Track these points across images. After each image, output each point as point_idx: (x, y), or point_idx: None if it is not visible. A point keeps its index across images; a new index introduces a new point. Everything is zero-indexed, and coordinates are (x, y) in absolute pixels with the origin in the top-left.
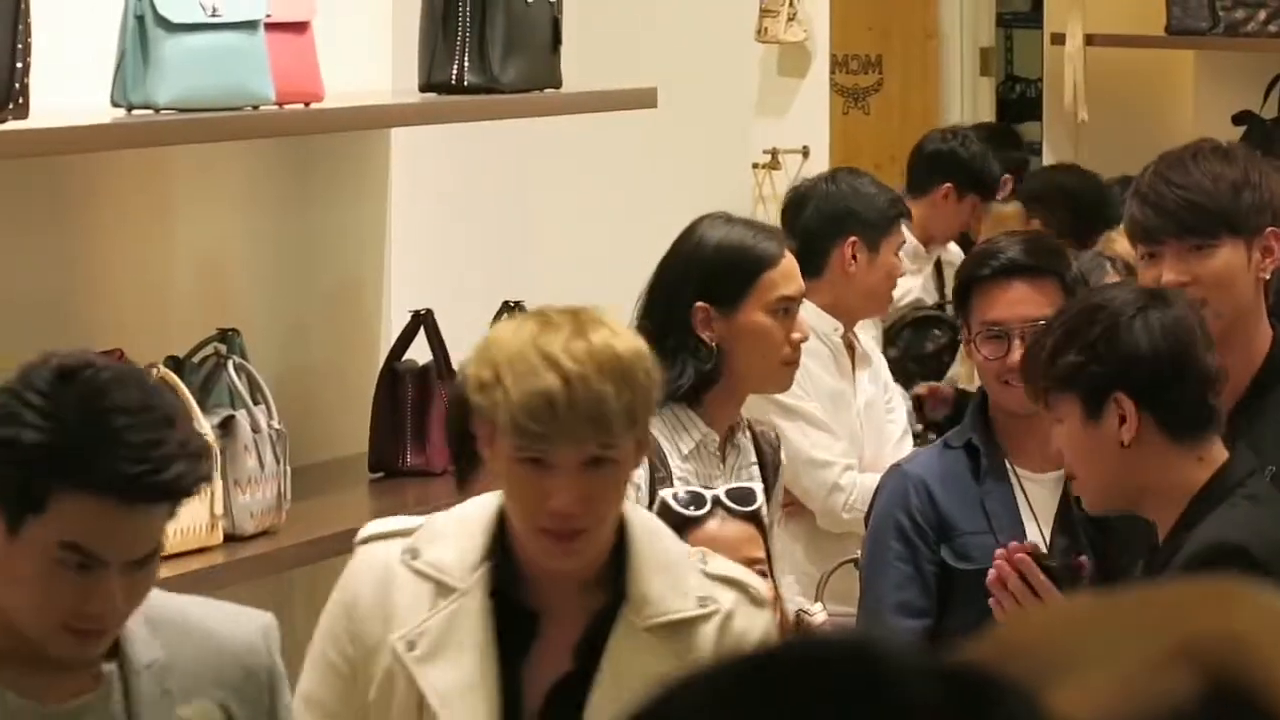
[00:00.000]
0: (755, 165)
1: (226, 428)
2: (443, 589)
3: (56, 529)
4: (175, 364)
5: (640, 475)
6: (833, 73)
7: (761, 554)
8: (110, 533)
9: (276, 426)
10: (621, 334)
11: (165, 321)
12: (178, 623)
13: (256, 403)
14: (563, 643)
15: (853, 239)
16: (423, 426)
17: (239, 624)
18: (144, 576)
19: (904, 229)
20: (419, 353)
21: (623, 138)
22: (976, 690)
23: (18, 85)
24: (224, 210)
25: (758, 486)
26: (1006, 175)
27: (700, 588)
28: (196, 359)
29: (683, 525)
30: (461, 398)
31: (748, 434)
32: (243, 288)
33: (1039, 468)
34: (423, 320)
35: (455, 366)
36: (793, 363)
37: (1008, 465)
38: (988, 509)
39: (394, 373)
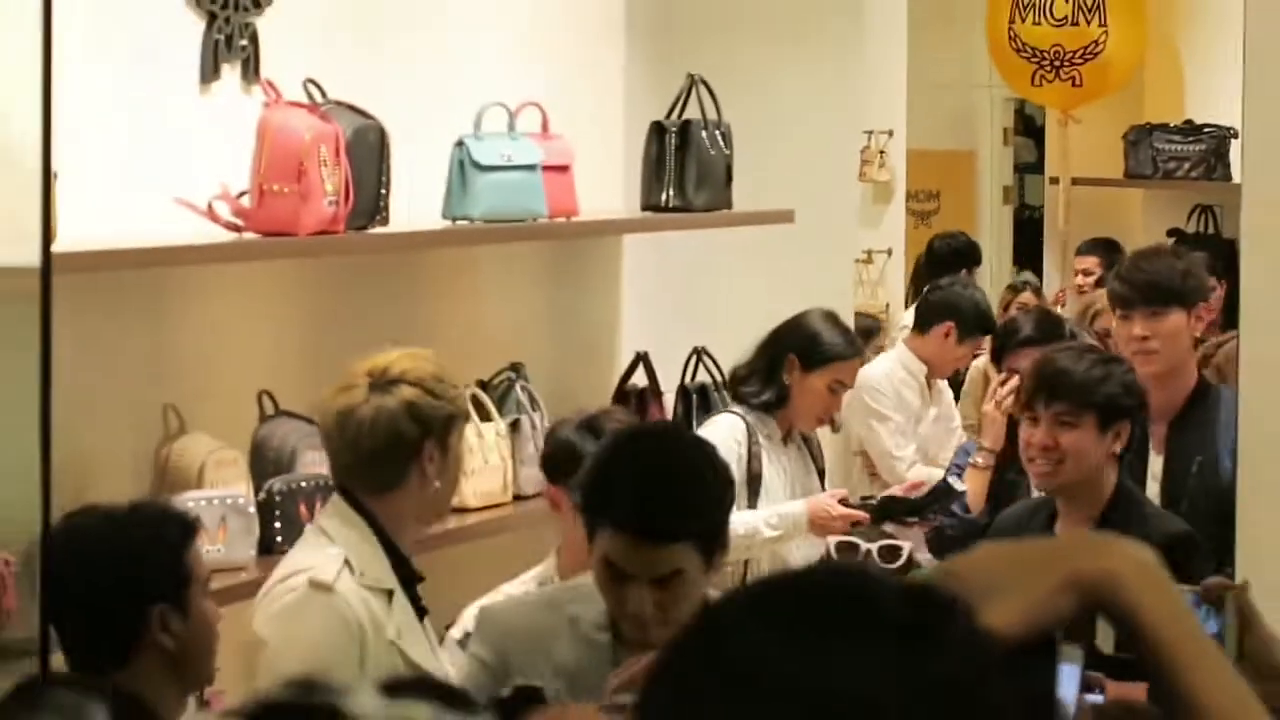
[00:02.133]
0: (856, 260)
1: (515, 427)
2: (383, 593)
3: None
4: (482, 384)
5: (741, 447)
6: (907, 200)
7: None
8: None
9: (546, 426)
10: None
11: (475, 356)
12: None
13: (535, 410)
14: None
15: (948, 324)
16: None
17: None
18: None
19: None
20: (638, 379)
21: (770, 241)
22: (928, 603)
23: (381, 204)
24: (515, 287)
25: (906, 546)
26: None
27: None
28: (495, 381)
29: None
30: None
31: (799, 436)
32: (525, 335)
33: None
34: (641, 358)
35: (661, 390)
36: (823, 421)
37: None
38: None
39: (623, 393)
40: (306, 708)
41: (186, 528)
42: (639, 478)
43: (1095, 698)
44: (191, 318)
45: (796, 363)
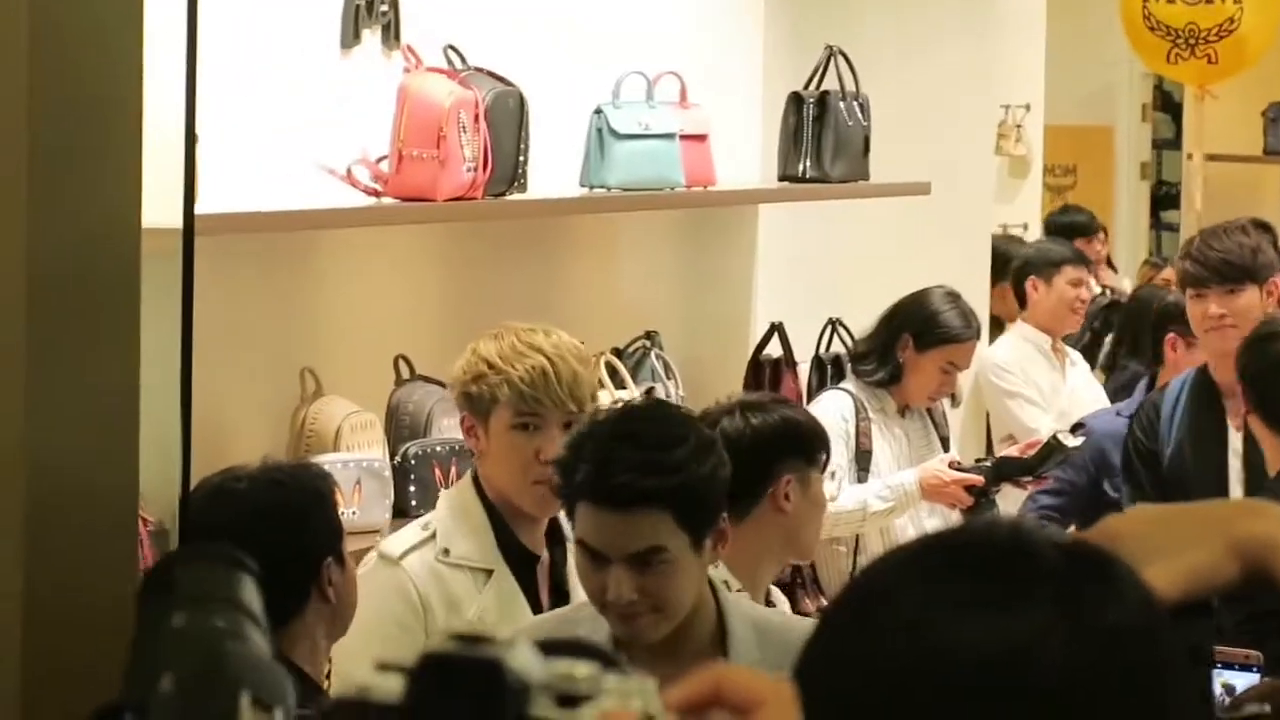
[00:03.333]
0: (992, 234)
1: (649, 395)
2: (478, 573)
3: None
4: (617, 352)
5: (849, 424)
6: (1044, 175)
7: None
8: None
9: (681, 394)
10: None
11: (610, 324)
12: (779, 633)
13: (669, 379)
14: (548, 573)
15: (1033, 279)
16: None
17: None
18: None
19: (1083, 270)
20: (773, 349)
21: (906, 213)
22: (1091, 558)
23: (519, 171)
24: (651, 255)
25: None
26: None
27: None
28: (630, 349)
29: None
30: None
31: (923, 408)
32: (660, 304)
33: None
34: (776, 329)
35: (795, 360)
36: (935, 398)
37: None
38: None
39: (758, 363)
40: (471, 661)
41: (330, 485)
42: (604, 440)
43: (1239, 675)
44: (330, 282)
45: (910, 342)
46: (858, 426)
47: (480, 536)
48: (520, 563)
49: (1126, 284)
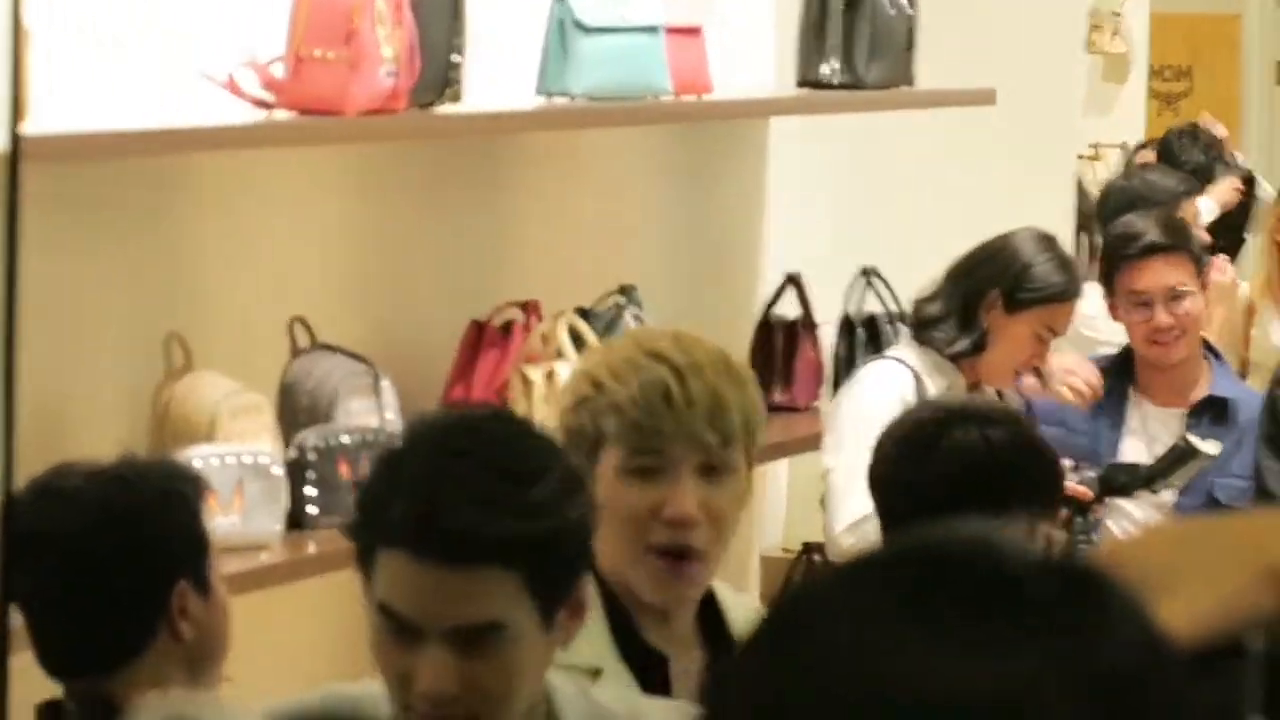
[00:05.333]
0: (1080, 156)
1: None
2: (579, 674)
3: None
4: (582, 313)
5: (909, 389)
6: (1150, 79)
7: None
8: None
9: None
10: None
11: (575, 277)
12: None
13: None
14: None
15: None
16: (790, 370)
17: (678, 716)
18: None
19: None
20: (787, 307)
21: (965, 130)
22: (1088, 587)
23: (453, 75)
24: (625, 184)
25: None
26: None
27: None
28: (600, 308)
29: None
30: None
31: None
32: (640, 249)
33: (1165, 403)
34: (792, 281)
35: (816, 321)
36: (1022, 373)
37: (1131, 393)
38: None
39: (768, 325)
40: None
41: (197, 486)
42: (431, 465)
43: None
44: (205, 222)
45: (1000, 300)
46: None
47: (586, 625)
48: (642, 668)
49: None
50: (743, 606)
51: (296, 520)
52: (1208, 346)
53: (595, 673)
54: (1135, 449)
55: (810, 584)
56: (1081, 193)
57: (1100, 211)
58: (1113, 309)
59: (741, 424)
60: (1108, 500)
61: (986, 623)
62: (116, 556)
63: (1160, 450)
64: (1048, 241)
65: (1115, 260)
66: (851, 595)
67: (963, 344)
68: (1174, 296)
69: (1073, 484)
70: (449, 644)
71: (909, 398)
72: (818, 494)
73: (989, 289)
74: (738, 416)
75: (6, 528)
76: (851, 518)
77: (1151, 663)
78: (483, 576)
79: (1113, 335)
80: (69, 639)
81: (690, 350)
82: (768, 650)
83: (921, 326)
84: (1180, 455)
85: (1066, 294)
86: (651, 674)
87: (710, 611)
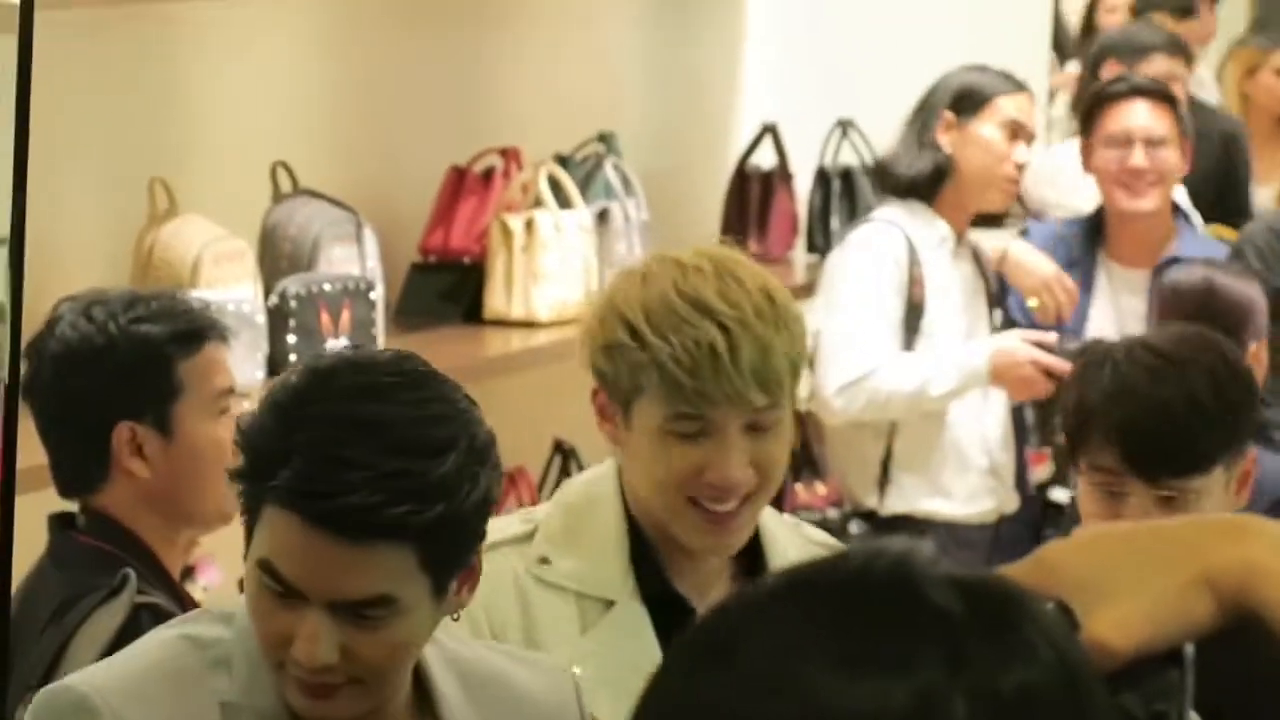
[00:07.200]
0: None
1: (603, 218)
2: (586, 600)
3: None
4: (561, 160)
5: (902, 271)
6: None
7: None
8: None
9: (644, 218)
10: (766, 273)
11: (555, 123)
12: (497, 689)
13: (629, 195)
14: None
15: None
16: (765, 219)
17: (551, 685)
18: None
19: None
20: (763, 158)
21: None
22: (1001, 606)
23: None
24: (605, 30)
25: None
26: None
27: (807, 552)
28: (579, 156)
29: None
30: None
31: (972, 246)
32: (619, 96)
33: (1131, 263)
34: (769, 130)
35: (791, 172)
36: (1008, 191)
37: (1100, 257)
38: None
39: (743, 175)
40: None
41: (192, 326)
42: (329, 427)
43: None
44: (188, 66)
45: (950, 118)
46: (910, 273)
47: (604, 552)
48: (661, 606)
49: None
50: (792, 540)
51: (276, 368)
52: (1177, 209)
53: (608, 604)
54: (1103, 312)
55: (734, 600)
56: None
57: (1083, 48)
58: (1086, 151)
59: (789, 370)
60: None
61: (900, 641)
62: (64, 391)
63: (1128, 316)
64: (981, 68)
65: (1100, 99)
66: (772, 613)
67: (920, 166)
68: (1153, 142)
69: (1053, 359)
70: (334, 614)
71: (900, 256)
72: None
73: (938, 112)
74: (785, 364)
75: (14, 353)
76: (843, 379)
77: (1064, 682)
78: (376, 551)
79: (1067, 197)
80: (54, 462)
81: (735, 295)
82: (688, 668)
83: (895, 180)
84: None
85: (1014, 86)
86: (668, 617)
87: (751, 546)
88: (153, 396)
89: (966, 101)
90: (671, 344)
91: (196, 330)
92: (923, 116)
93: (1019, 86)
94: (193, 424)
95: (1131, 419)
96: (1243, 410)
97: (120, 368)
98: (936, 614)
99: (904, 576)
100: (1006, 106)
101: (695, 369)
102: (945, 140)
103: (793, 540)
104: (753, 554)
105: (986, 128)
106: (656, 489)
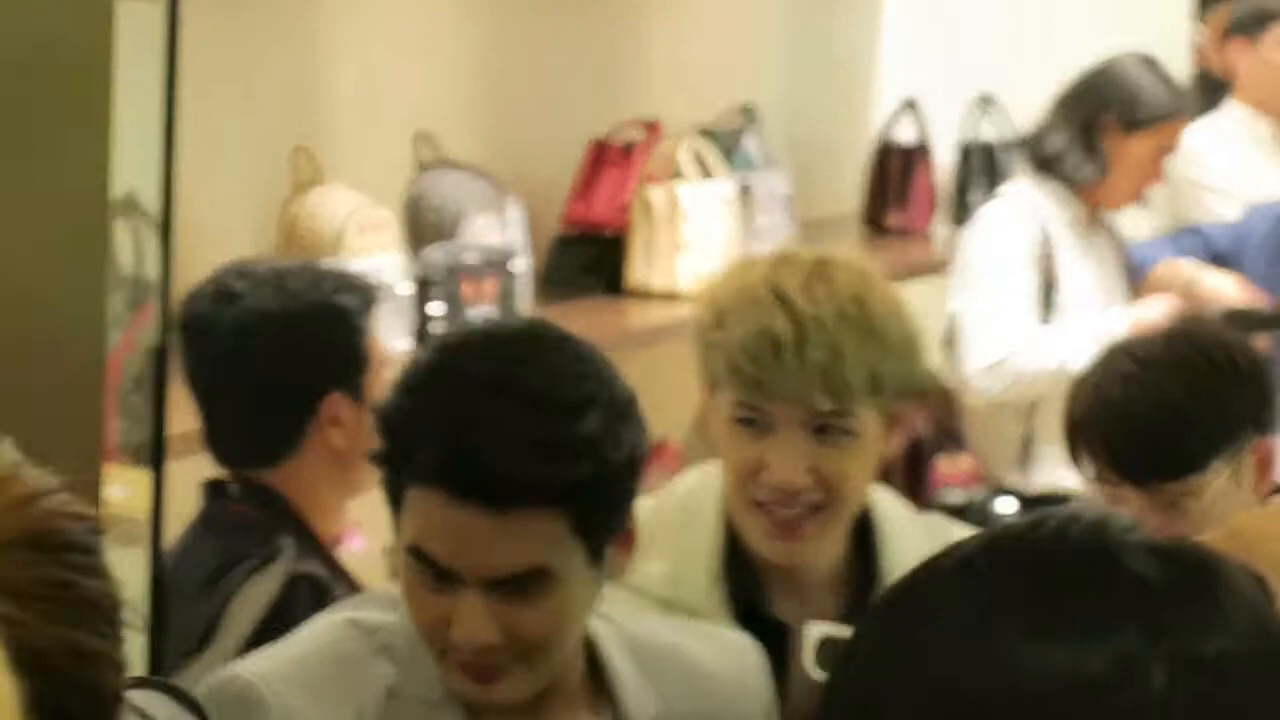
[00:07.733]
0: None
1: (745, 192)
2: (672, 609)
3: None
4: (704, 132)
5: (1038, 246)
6: None
7: None
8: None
9: (785, 191)
10: (879, 286)
11: (696, 94)
12: (672, 663)
13: (770, 168)
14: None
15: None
16: (905, 194)
17: (731, 660)
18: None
19: None
20: (903, 133)
21: None
22: (1196, 570)
23: None
24: (749, 4)
25: None
26: None
27: None
28: (721, 129)
29: None
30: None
31: (1107, 222)
32: (760, 69)
33: None
34: (909, 105)
35: (930, 146)
36: (1139, 196)
37: None
38: None
39: (885, 149)
40: None
41: (367, 297)
42: (464, 397)
43: None
44: (328, 33)
45: (1115, 124)
46: (1043, 247)
47: (694, 557)
48: (751, 625)
49: None
50: (912, 535)
51: (421, 338)
52: None
53: (692, 615)
54: None
55: (928, 567)
56: None
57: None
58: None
59: (867, 381)
60: None
61: (1097, 608)
62: (271, 362)
63: None
64: (1151, 63)
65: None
66: (967, 578)
67: (1088, 171)
68: None
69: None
70: (491, 591)
71: (1034, 232)
72: (935, 327)
73: (1103, 114)
74: (862, 373)
75: (165, 327)
76: (983, 362)
77: (1263, 651)
78: (525, 520)
79: (1215, 179)
80: (232, 432)
81: (818, 293)
82: (883, 635)
83: (1044, 160)
84: None
85: (1181, 111)
86: (767, 642)
87: (863, 553)
88: (352, 367)
89: (1136, 116)
90: (740, 329)
91: (373, 300)
92: (1086, 110)
93: (1185, 106)
94: (375, 392)
95: (1107, 432)
96: (1232, 401)
97: (326, 339)
98: (1134, 581)
99: (1100, 543)
100: (1169, 134)
101: (758, 357)
102: (1105, 145)
103: (921, 536)
104: (869, 580)
105: (1143, 148)
106: (731, 483)
